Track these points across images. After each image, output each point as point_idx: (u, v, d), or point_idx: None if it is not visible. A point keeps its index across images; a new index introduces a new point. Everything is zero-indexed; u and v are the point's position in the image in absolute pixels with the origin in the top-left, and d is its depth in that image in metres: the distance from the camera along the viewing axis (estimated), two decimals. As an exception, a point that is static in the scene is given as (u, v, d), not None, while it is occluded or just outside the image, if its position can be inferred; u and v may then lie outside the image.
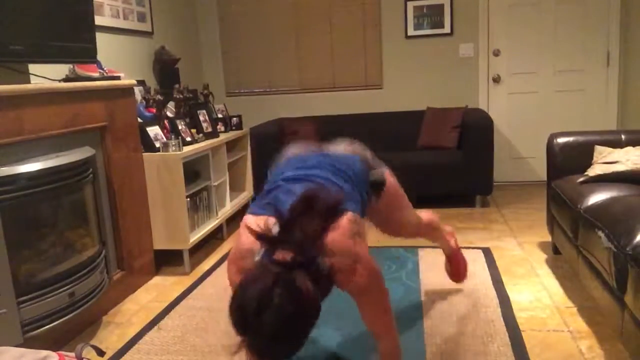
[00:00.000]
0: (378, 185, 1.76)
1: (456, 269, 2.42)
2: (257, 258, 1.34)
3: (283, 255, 1.28)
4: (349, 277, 1.41)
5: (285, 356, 1.24)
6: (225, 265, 3.02)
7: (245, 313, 1.18)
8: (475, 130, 3.82)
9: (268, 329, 1.17)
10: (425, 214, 2.12)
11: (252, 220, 1.44)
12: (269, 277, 1.20)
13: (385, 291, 1.54)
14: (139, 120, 2.94)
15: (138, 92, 3.41)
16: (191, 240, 2.97)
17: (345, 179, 1.60)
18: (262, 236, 1.31)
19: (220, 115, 4.01)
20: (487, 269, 2.73)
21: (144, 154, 2.87)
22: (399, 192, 1.87)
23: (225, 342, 2.12)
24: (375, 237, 3.39)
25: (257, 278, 1.21)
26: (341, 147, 1.79)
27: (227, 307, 1.23)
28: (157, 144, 2.94)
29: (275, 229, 1.33)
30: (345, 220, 1.41)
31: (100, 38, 3.19)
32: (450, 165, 3.88)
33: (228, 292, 2.59)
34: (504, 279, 2.61)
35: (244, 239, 1.42)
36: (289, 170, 1.63)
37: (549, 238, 3.12)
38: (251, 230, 1.32)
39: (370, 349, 1.98)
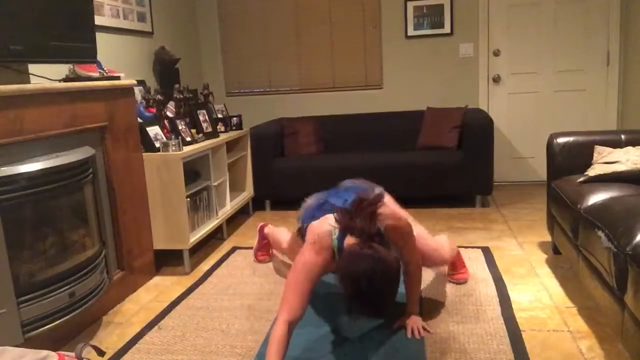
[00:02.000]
0: None
1: (457, 267, 2.63)
2: (334, 236, 1.85)
3: (350, 239, 1.80)
4: (395, 232, 1.93)
5: (391, 303, 1.72)
6: (225, 264, 3.02)
7: (362, 288, 1.64)
8: (475, 130, 3.82)
9: (381, 291, 1.66)
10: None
11: (315, 223, 1.94)
12: (365, 259, 1.67)
13: (414, 237, 2.06)
14: (139, 120, 2.94)
15: (138, 92, 3.41)
16: (191, 240, 2.97)
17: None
18: (341, 222, 1.83)
19: (220, 115, 4.02)
20: (487, 268, 2.73)
21: (144, 154, 2.87)
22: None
23: (225, 342, 2.12)
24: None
25: (357, 263, 1.67)
26: (356, 181, 2.29)
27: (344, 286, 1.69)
28: (157, 144, 2.94)
29: (335, 222, 1.86)
30: (387, 199, 2.04)
31: (100, 38, 3.19)
32: (450, 165, 3.88)
33: (229, 291, 2.60)
34: (504, 278, 2.61)
35: (318, 228, 1.89)
36: (326, 194, 2.16)
37: (549, 238, 3.12)
38: (336, 219, 1.85)
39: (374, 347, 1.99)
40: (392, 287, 1.69)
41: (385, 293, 1.68)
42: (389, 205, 2.07)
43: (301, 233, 2.14)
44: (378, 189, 2.13)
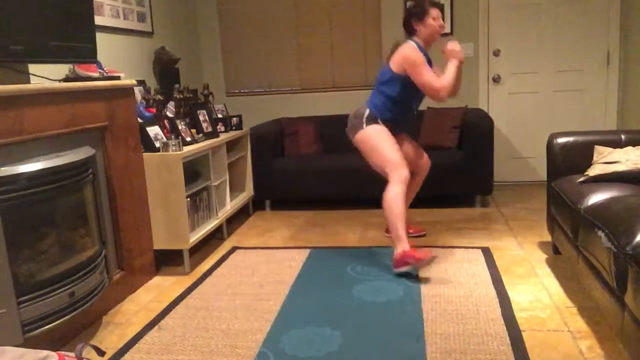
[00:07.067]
0: None
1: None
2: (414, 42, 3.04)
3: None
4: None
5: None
6: (225, 264, 3.02)
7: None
8: (475, 130, 3.82)
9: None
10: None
11: (406, 44, 3.09)
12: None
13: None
14: (139, 120, 2.94)
15: (138, 92, 3.41)
16: (191, 240, 2.97)
17: None
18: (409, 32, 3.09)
19: (220, 115, 4.01)
20: (487, 269, 2.73)
21: (144, 154, 2.87)
22: None
23: (225, 342, 2.12)
24: (377, 236, 3.40)
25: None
26: None
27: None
28: (157, 144, 2.94)
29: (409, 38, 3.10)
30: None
31: (100, 38, 3.19)
32: (450, 165, 3.88)
33: (229, 291, 2.60)
34: (504, 279, 2.61)
35: (406, 48, 3.06)
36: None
37: (549, 238, 3.12)
38: None
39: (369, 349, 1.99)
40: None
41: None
42: None
43: (372, 116, 2.98)
44: None
